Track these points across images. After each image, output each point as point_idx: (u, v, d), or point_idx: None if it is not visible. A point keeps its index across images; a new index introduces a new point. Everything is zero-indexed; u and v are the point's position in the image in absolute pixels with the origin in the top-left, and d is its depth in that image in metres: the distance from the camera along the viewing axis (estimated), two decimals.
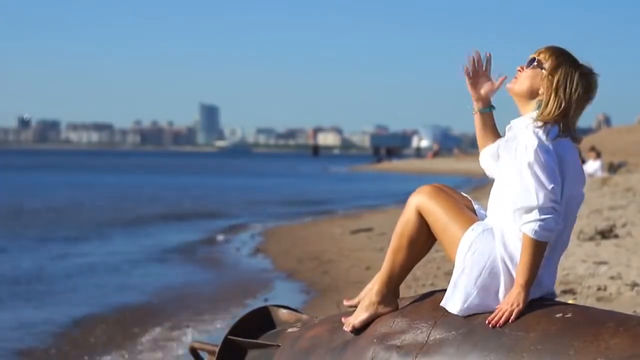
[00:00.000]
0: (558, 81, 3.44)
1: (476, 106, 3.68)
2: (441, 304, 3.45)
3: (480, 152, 3.70)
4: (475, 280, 3.38)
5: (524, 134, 3.37)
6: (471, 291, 3.38)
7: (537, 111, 3.45)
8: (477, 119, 3.68)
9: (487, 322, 3.31)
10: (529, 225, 3.29)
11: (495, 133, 3.69)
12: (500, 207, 3.43)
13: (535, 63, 3.48)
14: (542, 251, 3.32)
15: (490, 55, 3.70)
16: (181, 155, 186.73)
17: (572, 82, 3.43)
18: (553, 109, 3.41)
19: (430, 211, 3.52)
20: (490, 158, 3.64)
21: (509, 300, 3.31)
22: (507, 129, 3.53)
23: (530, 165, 3.30)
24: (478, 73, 3.68)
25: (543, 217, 3.28)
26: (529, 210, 3.29)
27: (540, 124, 3.38)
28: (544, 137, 3.34)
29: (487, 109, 3.68)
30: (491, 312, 3.35)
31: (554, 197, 3.30)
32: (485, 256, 3.39)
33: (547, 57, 3.48)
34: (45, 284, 10.89)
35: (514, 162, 3.35)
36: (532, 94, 3.49)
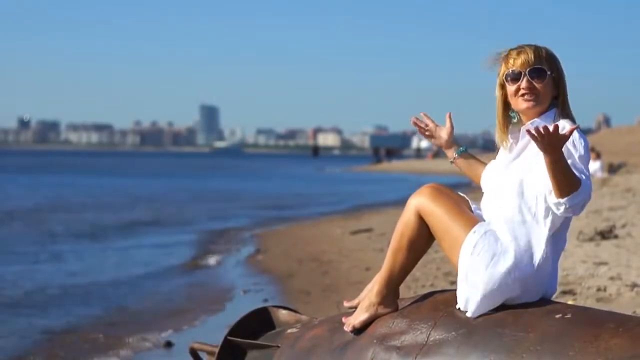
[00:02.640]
0: (563, 79, 3.52)
1: (450, 154, 3.85)
2: (458, 306, 3.45)
3: (480, 183, 3.72)
4: (481, 281, 3.37)
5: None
6: (477, 292, 3.38)
7: (555, 110, 3.48)
8: (459, 164, 3.83)
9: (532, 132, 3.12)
10: (586, 191, 3.26)
11: (480, 162, 3.80)
12: (513, 206, 3.42)
13: (549, 74, 3.47)
14: (570, 183, 3.21)
15: (423, 114, 3.91)
16: (173, 155, 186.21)
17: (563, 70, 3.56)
18: (569, 105, 3.51)
19: (430, 213, 3.52)
20: (491, 173, 3.64)
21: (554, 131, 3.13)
22: (522, 130, 3.49)
23: (582, 159, 3.31)
24: (429, 130, 3.88)
25: (587, 202, 3.30)
26: (589, 189, 3.29)
27: (570, 122, 3.42)
28: (583, 136, 3.38)
29: (460, 150, 3.82)
30: (497, 312, 3.35)
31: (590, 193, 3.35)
32: (489, 257, 3.38)
33: (547, 60, 3.48)
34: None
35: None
36: (548, 103, 3.50)
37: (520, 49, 3.51)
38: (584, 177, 3.26)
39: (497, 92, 3.58)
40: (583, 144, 3.35)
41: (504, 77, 3.52)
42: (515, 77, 3.48)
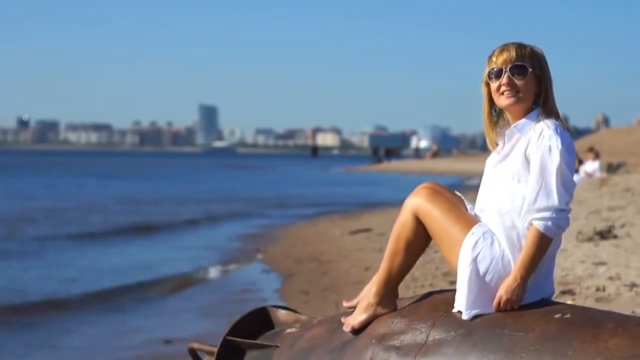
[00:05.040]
0: (547, 77, 3.51)
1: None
2: (454, 308, 3.45)
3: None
4: (481, 283, 3.37)
5: (543, 134, 3.38)
6: (477, 293, 3.38)
7: (539, 109, 3.48)
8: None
9: (493, 308, 3.34)
10: (543, 221, 3.32)
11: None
12: (509, 208, 3.42)
13: (530, 71, 3.47)
14: (547, 247, 3.36)
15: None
16: (164, 155, 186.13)
17: (549, 68, 3.55)
18: (552, 103, 3.51)
19: (427, 214, 3.51)
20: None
21: (508, 290, 3.33)
22: (507, 133, 3.50)
23: (557, 169, 3.33)
24: None
25: (558, 215, 3.33)
26: (547, 209, 3.32)
27: (553, 122, 3.42)
28: (564, 136, 3.39)
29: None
30: (495, 312, 3.36)
31: (571, 198, 3.37)
32: (488, 258, 3.39)
33: (530, 57, 3.48)
34: None
35: (534, 161, 3.36)
36: (532, 102, 3.50)
37: (503, 47, 3.53)
38: (554, 202, 3.31)
39: (483, 91, 3.59)
40: (559, 147, 3.36)
41: (487, 76, 3.54)
42: (497, 75, 3.50)
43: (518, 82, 3.47)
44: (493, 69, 3.51)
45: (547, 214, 3.32)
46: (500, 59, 3.50)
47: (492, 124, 3.60)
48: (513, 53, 3.49)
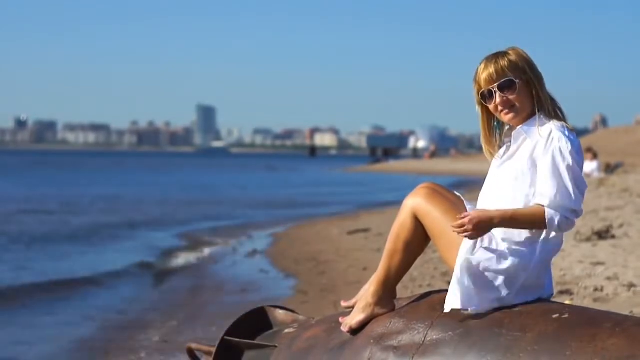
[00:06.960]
0: (535, 76, 3.48)
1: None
2: (445, 306, 3.44)
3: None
4: (477, 283, 3.38)
5: (552, 136, 3.37)
6: (473, 292, 3.38)
7: (539, 114, 3.46)
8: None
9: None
10: (553, 211, 3.31)
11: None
12: (508, 206, 3.42)
13: (518, 82, 3.45)
14: (534, 229, 3.36)
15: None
16: (156, 155, 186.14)
17: (536, 66, 3.51)
18: (547, 101, 3.47)
19: (426, 214, 3.51)
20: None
21: (478, 219, 3.30)
22: (514, 134, 3.50)
23: (570, 170, 3.33)
24: None
25: (570, 216, 3.33)
26: (564, 208, 3.31)
27: (560, 124, 3.41)
28: (573, 137, 3.39)
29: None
30: (493, 312, 3.36)
31: (583, 199, 3.37)
32: (485, 258, 3.38)
33: (511, 67, 3.45)
34: None
35: (545, 163, 3.35)
36: (531, 106, 3.48)
37: (484, 65, 3.50)
38: (572, 203, 3.31)
39: (477, 109, 3.59)
40: (569, 148, 3.36)
41: (480, 98, 3.53)
42: (489, 95, 3.49)
43: (511, 97, 3.46)
44: (482, 92, 3.50)
45: (560, 210, 3.31)
46: (485, 80, 3.48)
47: (488, 140, 3.59)
48: (492, 70, 3.46)
